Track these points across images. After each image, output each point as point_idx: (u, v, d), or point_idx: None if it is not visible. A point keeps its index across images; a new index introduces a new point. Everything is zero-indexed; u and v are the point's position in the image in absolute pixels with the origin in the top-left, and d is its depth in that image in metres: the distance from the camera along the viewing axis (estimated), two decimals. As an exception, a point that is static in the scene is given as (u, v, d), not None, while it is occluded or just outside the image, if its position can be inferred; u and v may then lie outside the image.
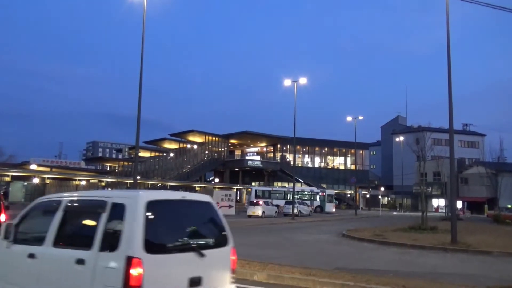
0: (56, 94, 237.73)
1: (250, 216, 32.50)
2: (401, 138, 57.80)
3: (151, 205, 3.98)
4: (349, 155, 78.50)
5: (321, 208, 48.59)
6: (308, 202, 46.93)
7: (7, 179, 37.53)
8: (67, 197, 4.82)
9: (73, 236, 4.46)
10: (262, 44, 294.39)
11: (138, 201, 3.93)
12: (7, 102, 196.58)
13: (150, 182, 53.51)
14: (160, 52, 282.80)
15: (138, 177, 31.58)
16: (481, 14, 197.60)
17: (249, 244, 14.48)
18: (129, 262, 3.60)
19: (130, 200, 4.00)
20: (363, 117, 50.10)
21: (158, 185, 56.38)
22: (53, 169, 54.14)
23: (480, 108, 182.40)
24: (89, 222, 4.24)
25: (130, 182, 44.40)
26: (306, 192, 50.85)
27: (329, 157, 79.19)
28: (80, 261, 3.93)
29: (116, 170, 74.28)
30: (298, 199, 45.80)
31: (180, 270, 3.98)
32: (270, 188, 51.20)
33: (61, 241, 4.33)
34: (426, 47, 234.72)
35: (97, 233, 3.96)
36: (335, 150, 78.80)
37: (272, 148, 76.46)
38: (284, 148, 75.58)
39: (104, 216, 4.02)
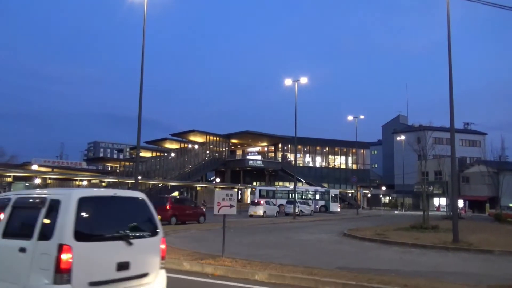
0: (57, 94, 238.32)
1: (251, 215, 32.52)
2: (402, 137, 57.73)
3: (83, 201, 4.54)
4: (350, 155, 78.45)
5: (325, 208, 48.41)
6: (312, 201, 46.97)
7: (9, 179, 37.59)
8: (16, 195, 5.38)
9: (18, 228, 4.92)
10: (263, 44, 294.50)
11: (71, 197, 4.49)
12: (8, 102, 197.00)
13: (151, 182, 53.54)
14: (161, 52, 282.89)
15: (140, 177, 31.59)
16: (483, 13, 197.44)
17: (250, 243, 14.49)
18: (60, 248, 4.16)
19: (64, 197, 4.56)
20: (364, 116, 50.15)
21: (159, 185, 56.40)
22: (55, 170, 54.18)
23: (481, 107, 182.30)
24: (31, 216, 4.72)
25: (131, 182, 44.40)
26: (310, 192, 50.68)
27: (330, 156, 79.14)
28: (23, 250, 4.48)
29: (118, 170, 74.33)
30: (302, 198, 45.94)
31: (108, 256, 4.53)
32: (274, 188, 51.20)
33: (9, 233, 4.88)
34: (427, 46, 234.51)
35: (36, 225, 4.52)
36: (336, 149, 78.76)
37: (273, 148, 76.45)
38: (285, 147, 75.57)
39: (43, 211, 4.59)
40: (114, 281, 4.50)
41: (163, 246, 5.26)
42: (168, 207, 22.76)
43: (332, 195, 49.95)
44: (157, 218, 5.39)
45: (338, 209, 49.27)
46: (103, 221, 4.84)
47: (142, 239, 5.01)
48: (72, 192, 4.63)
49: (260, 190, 47.55)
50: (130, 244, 4.73)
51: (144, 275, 4.86)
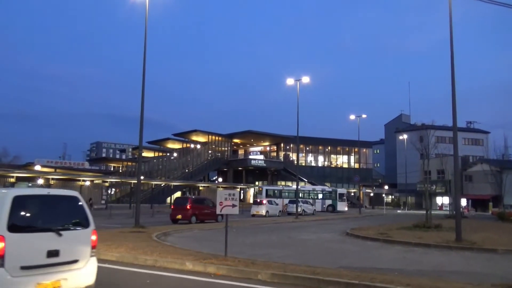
0: (60, 95, 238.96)
1: (253, 215, 32.53)
2: (405, 136, 57.64)
3: (17, 199, 5.28)
4: (353, 154, 78.35)
5: (333, 207, 48.06)
6: (315, 200, 46.97)
7: (12, 180, 37.59)
8: None
9: None
10: (266, 44, 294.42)
11: (7, 196, 5.24)
12: (11, 103, 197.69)
13: (153, 182, 53.59)
14: (164, 52, 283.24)
15: (142, 177, 31.62)
16: (486, 11, 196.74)
17: (252, 243, 14.50)
18: None
19: (1, 195, 5.32)
20: (366, 115, 50.01)
21: (162, 185, 56.46)
22: (57, 170, 54.28)
23: (484, 105, 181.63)
24: None
25: (134, 182, 44.49)
26: (317, 191, 50.47)
27: (332, 155, 79.07)
28: None
29: (120, 171, 74.42)
30: (310, 198, 45.98)
31: (39, 245, 5.26)
32: (281, 188, 51.18)
33: None
34: (429, 45, 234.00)
35: None
36: (338, 148, 78.68)
37: (275, 147, 76.44)
38: (288, 147, 75.55)
39: None
40: (44, 266, 5.23)
41: (93, 237, 5.94)
42: (188, 207, 23.67)
43: (339, 194, 49.67)
44: (89, 213, 6.05)
45: (346, 208, 48.77)
46: (36, 216, 5.57)
47: (73, 231, 5.74)
48: (9, 191, 5.42)
49: (267, 190, 47.60)
50: (60, 235, 5.43)
51: (74, 261, 5.59)
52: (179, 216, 23.38)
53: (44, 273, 5.22)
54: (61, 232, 5.47)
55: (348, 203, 68.61)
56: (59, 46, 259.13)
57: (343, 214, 43.38)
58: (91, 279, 5.86)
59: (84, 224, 5.92)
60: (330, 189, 51.88)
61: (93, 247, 5.95)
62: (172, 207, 25.15)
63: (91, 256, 5.89)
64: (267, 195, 44.44)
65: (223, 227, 11.06)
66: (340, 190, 51.81)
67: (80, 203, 6.02)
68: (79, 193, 6.22)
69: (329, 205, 48.31)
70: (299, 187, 53.04)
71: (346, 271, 8.46)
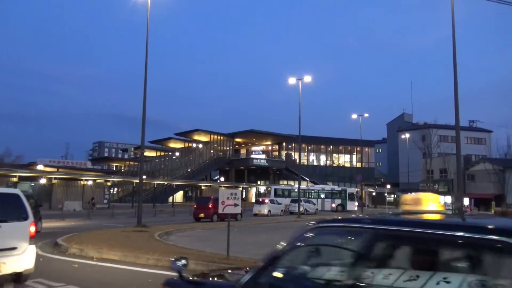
0: (62, 95, 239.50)
1: (256, 214, 32.55)
2: (407, 135, 57.42)
3: None
4: (355, 153, 78.23)
5: (342, 207, 47.65)
6: (329, 200, 47.26)
7: (14, 179, 37.69)
8: None
9: None
10: (267, 43, 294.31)
11: None
12: (14, 103, 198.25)
13: (156, 182, 53.70)
14: (165, 52, 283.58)
15: (144, 177, 31.68)
16: (488, 9, 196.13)
17: (254, 242, 14.50)
18: None
19: None
20: (368, 114, 49.80)
21: (164, 184, 56.54)
22: (60, 170, 54.34)
23: (487, 104, 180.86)
24: None
25: (136, 182, 44.55)
26: (326, 191, 50.32)
27: (334, 155, 78.97)
28: None
29: (122, 170, 74.55)
30: (319, 197, 46.14)
31: None
32: (289, 187, 51.07)
33: None
34: (431, 44, 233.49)
35: None
36: (340, 148, 78.57)
37: (277, 147, 76.39)
38: (290, 146, 75.49)
39: None
40: None
41: (32, 229, 6.77)
42: (210, 206, 25.23)
43: (349, 194, 49.29)
44: (28, 207, 6.87)
45: (355, 208, 48.10)
46: None
47: (11, 222, 6.53)
48: None
49: (275, 189, 47.55)
50: None
51: (12, 248, 6.39)
52: (202, 215, 25.16)
53: None
54: (1, 224, 6.25)
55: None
56: (62, 46, 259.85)
57: (350, 213, 43.24)
58: (30, 264, 6.63)
59: (23, 217, 6.73)
60: (340, 189, 51.30)
61: (32, 237, 6.77)
62: (195, 206, 27.32)
63: (30, 244, 6.69)
64: (276, 195, 44.50)
65: (224, 226, 11.06)
66: (350, 190, 51.21)
67: (20, 200, 6.82)
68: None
69: (338, 205, 47.94)
70: (308, 186, 53.00)
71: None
